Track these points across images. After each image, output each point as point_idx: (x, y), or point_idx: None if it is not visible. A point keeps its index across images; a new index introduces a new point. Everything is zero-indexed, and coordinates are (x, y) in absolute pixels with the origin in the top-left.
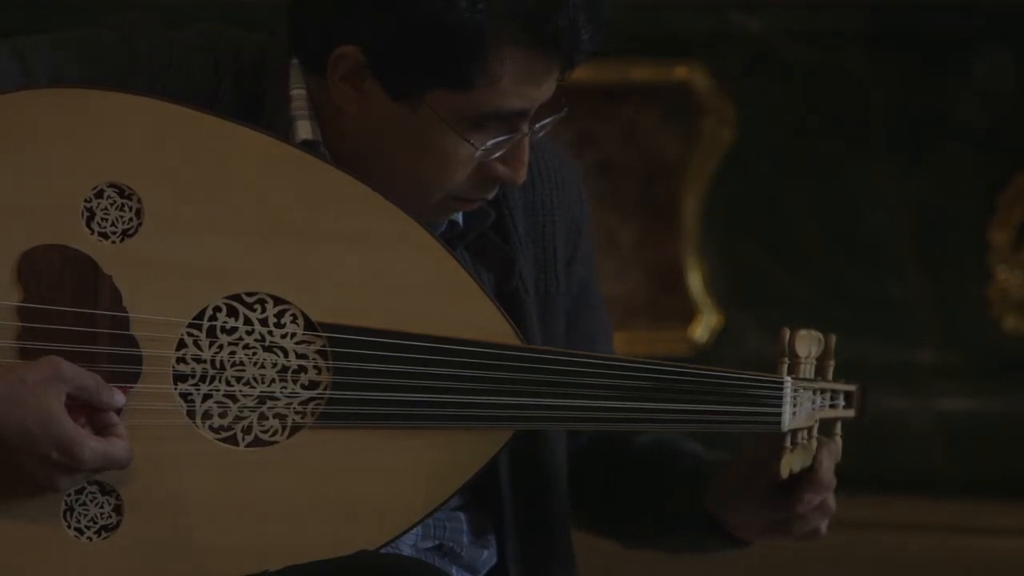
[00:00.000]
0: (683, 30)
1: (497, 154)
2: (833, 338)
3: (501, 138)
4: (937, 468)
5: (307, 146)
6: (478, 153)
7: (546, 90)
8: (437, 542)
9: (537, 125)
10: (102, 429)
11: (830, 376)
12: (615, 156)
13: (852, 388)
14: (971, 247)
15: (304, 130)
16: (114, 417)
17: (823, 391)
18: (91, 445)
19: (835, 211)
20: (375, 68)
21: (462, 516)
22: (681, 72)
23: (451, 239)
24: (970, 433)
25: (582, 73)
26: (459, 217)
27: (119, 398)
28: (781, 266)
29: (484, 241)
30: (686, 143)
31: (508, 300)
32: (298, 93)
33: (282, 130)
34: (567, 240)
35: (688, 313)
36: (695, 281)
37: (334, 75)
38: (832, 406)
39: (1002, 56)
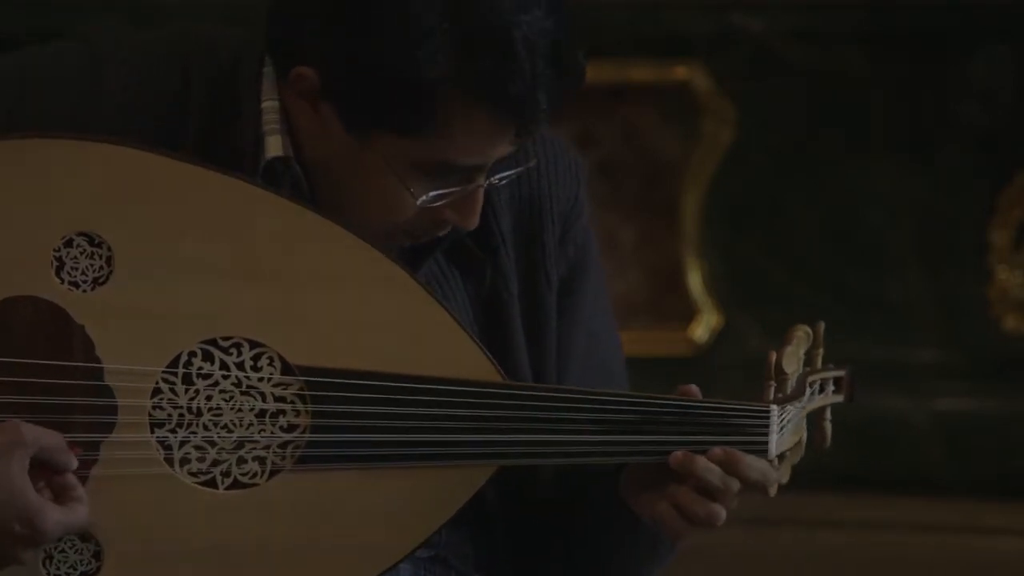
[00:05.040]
0: (683, 30)
1: (443, 202)
2: (822, 326)
3: (446, 190)
4: (937, 468)
5: (279, 162)
6: (419, 202)
7: (501, 149)
8: (434, 551)
9: (496, 177)
10: (61, 491)
11: (819, 364)
12: (615, 156)
13: (841, 373)
14: (971, 247)
15: (274, 146)
16: (72, 479)
17: (812, 383)
18: (55, 518)
19: (835, 211)
20: (329, 95)
21: (461, 530)
22: (681, 72)
23: (428, 243)
24: (970, 433)
25: None
26: None
27: (72, 461)
28: (781, 266)
29: (460, 245)
30: (686, 143)
31: (489, 303)
32: (269, 105)
33: (257, 143)
34: (556, 238)
35: (688, 313)
36: (695, 281)
37: (293, 90)
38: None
39: (1002, 56)
